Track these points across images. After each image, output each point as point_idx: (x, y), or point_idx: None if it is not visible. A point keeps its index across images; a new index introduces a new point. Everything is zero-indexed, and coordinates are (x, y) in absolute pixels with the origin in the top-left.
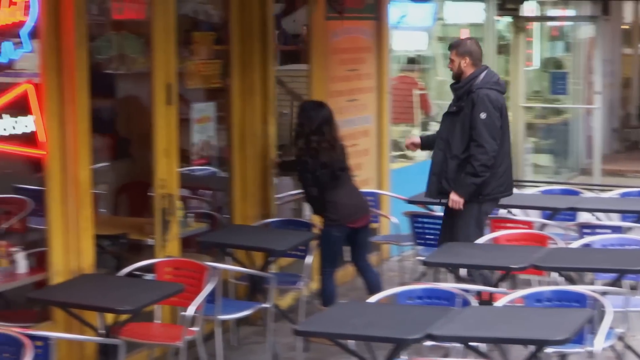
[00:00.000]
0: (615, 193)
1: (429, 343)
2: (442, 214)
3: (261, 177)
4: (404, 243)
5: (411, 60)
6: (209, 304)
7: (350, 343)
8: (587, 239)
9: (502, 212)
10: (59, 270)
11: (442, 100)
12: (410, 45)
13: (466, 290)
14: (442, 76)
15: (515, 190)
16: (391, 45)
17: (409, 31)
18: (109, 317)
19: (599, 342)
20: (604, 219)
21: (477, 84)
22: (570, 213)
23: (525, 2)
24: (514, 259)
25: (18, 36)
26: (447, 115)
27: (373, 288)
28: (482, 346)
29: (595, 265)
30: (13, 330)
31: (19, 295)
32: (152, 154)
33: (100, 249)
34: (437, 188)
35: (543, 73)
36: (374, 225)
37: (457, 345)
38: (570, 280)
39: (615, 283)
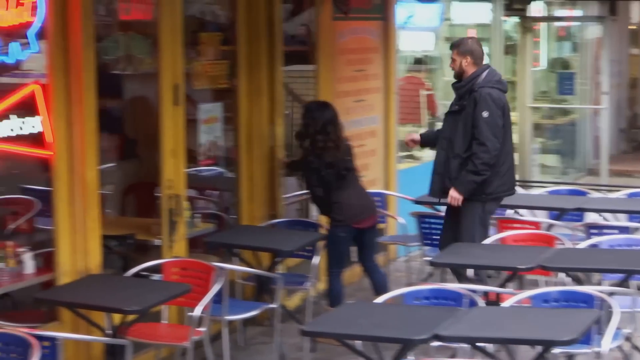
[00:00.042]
0: (622, 193)
1: (436, 343)
2: None
3: (268, 177)
4: (411, 243)
5: (418, 61)
6: (216, 305)
7: (357, 343)
8: (595, 240)
9: (509, 213)
10: (66, 270)
11: (448, 101)
12: (417, 46)
13: (473, 291)
14: (449, 77)
15: (522, 191)
16: (398, 45)
17: (416, 31)
18: (116, 318)
19: (606, 343)
20: (611, 220)
21: (479, 82)
22: (578, 213)
23: (532, 3)
24: (521, 260)
25: (25, 37)
26: (449, 114)
27: (380, 289)
28: (489, 347)
29: (602, 266)
30: (20, 330)
31: (26, 296)
32: (159, 155)
33: (108, 249)
34: (440, 187)
35: (550, 73)
36: (381, 225)
37: (464, 345)
38: (578, 281)
39: (623, 283)
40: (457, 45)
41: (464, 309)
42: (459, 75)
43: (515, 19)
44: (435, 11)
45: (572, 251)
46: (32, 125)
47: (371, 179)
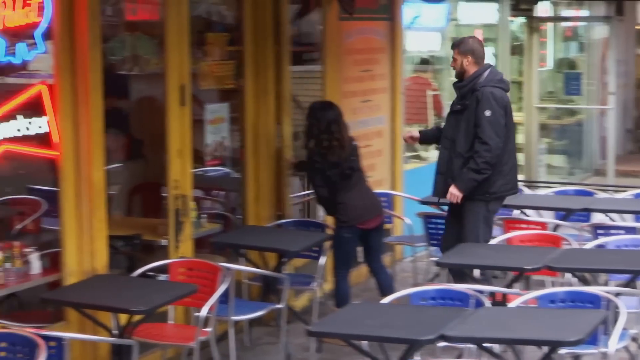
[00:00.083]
0: (629, 194)
1: (442, 344)
2: None
3: (274, 178)
4: (418, 244)
5: (425, 61)
6: (222, 305)
7: (364, 344)
8: (601, 240)
9: (516, 213)
10: (73, 270)
11: None
12: (423, 46)
13: (480, 291)
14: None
15: (528, 191)
16: (405, 46)
17: (422, 32)
18: (123, 318)
19: (613, 343)
20: (618, 220)
21: (481, 82)
22: (584, 214)
23: (539, 3)
24: (527, 260)
25: (32, 37)
26: (451, 114)
27: (385, 290)
28: (496, 347)
29: (609, 266)
30: (27, 330)
31: (32, 296)
32: (165, 155)
33: (114, 249)
34: (443, 187)
35: (557, 74)
36: (387, 226)
37: (471, 346)
38: (584, 281)
39: (629, 284)
40: (458, 45)
41: (471, 309)
42: (460, 74)
43: (521, 19)
44: (442, 11)
45: (579, 251)
46: (39, 125)
47: (377, 179)
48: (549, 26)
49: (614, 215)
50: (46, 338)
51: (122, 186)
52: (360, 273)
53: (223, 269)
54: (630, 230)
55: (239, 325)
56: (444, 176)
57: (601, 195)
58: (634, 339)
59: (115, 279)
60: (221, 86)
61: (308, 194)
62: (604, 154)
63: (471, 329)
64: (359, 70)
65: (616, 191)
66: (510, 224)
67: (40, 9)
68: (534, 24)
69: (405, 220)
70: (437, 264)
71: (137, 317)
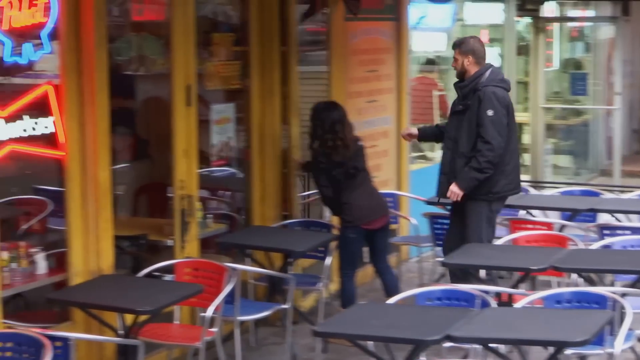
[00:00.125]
0: (635, 194)
1: (448, 344)
2: None
3: (280, 178)
4: (423, 244)
5: (430, 61)
6: (228, 305)
7: (369, 344)
8: (607, 240)
9: (522, 213)
10: (79, 271)
11: None
12: (429, 46)
13: (485, 292)
14: None
15: (534, 192)
16: (410, 46)
17: (428, 32)
18: (129, 318)
19: (619, 344)
20: (624, 220)
21: (483, 81)
22: (590, 214)
23: (545, 3)
24: (533, 260)
25: (38, 38)
26: (453, 114)
27: (391, 291)
28: (502, 347)
29: (615, 267)
30: (33, 330)
31: (38, 296)
32: (171, 155)
33: (120, 249)
34: (447, 188)
35: (563, 74)
36: (393, 226)
37: (477, 346)
38: (590, 282)
39: (636, 284)
40: (459, 45)
41: (476, 309)
42: (461, 74)
43: (527, 20)
44: (448, 12)
45: (585, 252)
46: (45, 125)
47: (383, 180)
48: (555, 26)
49: (620, 216)
50: (52, 338)
51: (128, 186)
52: (366, 273)
53: (229, 269)
54: (636, 230)
55: (244, 325)
56: (447, 176)
57: (607, 195)
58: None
59: (121, 279)
60: (227, 86)
61: (309, 194)
62: (610, 155)
63: (477, 330)
64: (364, 71)
65: (622, 191)
66: (516, 224)
67: (47, 9)
68: (540, 24)
69: (411, 220)
70: (443, 264)
71: (143, 317)
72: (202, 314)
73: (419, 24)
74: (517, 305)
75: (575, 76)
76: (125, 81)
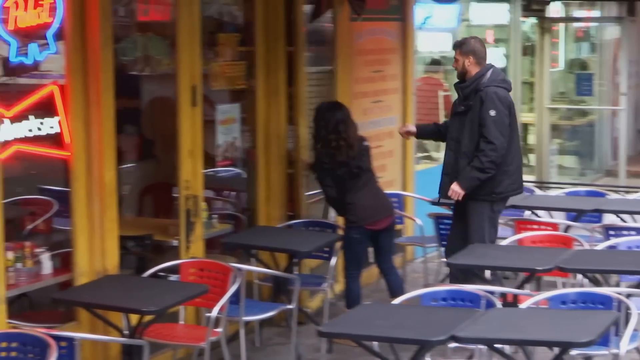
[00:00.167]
0: None
1: (453, 345)
2: None
3: (285, 178)
4: (429, 244)
5: (436, 62)
6: (233, 305)
7: (374, 344)
8: (613, 241)
9: (527, 214)
10: (84, 271)
11: None
12: (435, 47)
13: (491, 292)
14: None
15: (540, 192)
16: (416, 46)
17: (434, 32)
18: (134, 318)
19: (624, 345)
20: (630, 221)
21: (485, 82)
22: (596, 215)
23: (550, 3)
24: (538, 261)
25: (44, 38)
26: (455, 115)
27: (395, 291)
28: (507, 348)
29: (620, 267)
30: (38, 330)
31: (44, 296)
32: (176, 155)
33: (125, 250)
34: (449, 188)
35: (568, 74)
36: (398, 226)
37: (482, 347)
38: (596, 282)
39: None
40: (460, 45)
41: (482, 310)
42: (462, 75)
43: (533, 20)
44: (453, 12)
45: (590, 252)
46: (50, 125)
47: (389, 180)
48: (560, 27)
49: (625, 216)
50: (57, 338)
51: (134, 186)
52: (371, 274)
53: (234, 270)
54: None
55: (249, 325)
56: (450, 177)
57: (612, 196)
58: None
59: (126, 279)
60: (232, 87)
61: (315, 194)
62: (615, 155)
63: (482, 330)
64: (370, 71)
65: (627, 192)
66: (522, 224)
67: (52, 9)
68: (545, 25)
69: (416, 220)
70: (448, 264)
71: (148, 318)
72: (207, 314)
73: (425, 24)
74: (523, 305)
75: (580, 76)
76: (131, 81)
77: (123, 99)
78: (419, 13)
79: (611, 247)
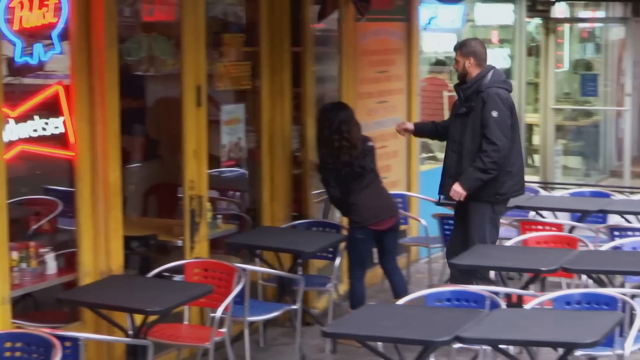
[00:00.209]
0: None
1: (457, 345)
2: None
3: (290, 178)
4: (433, 245)
5: (441, 62)
6: (237, 305)
7: (379, 345)
8: (617, 242)
9: (532, 215)
10: (89, 271)
11: None
12: (439, 47)
13: (495, 293)
14: None
15: (544, 192)
16: (421, 47)
17: (438, 33)
18: (138, 318)
19: (629, 346)
20: (634, 222)
21: (486, 83)
22: (600, 215)
23: (555, 4)
24: (543, 261)
25: (49, 38)
26: (456, 117)
27: (399, 292)
28: (511, 349)
29: (625, 268)
30: (42, 330)
31: (48, 296)
32: (181, 156)
33: (130, 250)
34: None
35: (573, 75)
36: (403, 227)
37: (486, 347)
38: (600, 283)
39: None
40: (460, 47)
41: (486, 311)
42: (463, 76)
43: (538, 21)
44: (458, 12)
45: (595, 253)
46: (55, 125)
47: (393, 180)
48: (565, 27)
49: (630, 217)
50: (61, 338)
51: (138, 186)
52: (375, 274)
53: (238, 270)
54: None
55: (254, 326)
56: (454, 180)
57: (617, 196)
58: None
59: (131, 280)
60: (237, 87)
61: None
62: (620, 156)
63: (486, 331)
64: (374, 72)
65: (632, 193)
66: (526, 225)
67: (57, 9)
68: (550, 25)
69: (421, 221)
70: (453, 265)
71: (152, 318)
72: (212, 315)
73: (429, 24)
74: (527, 306)
75: (585, 77)
76: (136, 81)
77: (128, 99)
78: (423, 13)
79: (616, 248)
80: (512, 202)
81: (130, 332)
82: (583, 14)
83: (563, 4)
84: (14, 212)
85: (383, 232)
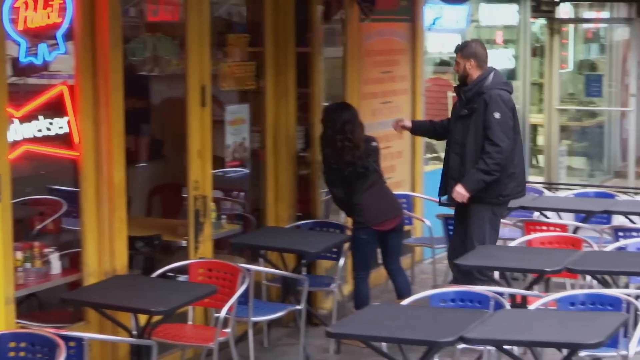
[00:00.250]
0: None
1: (461, 346)
2: None
3: (294, 178)
4: (437, 245)
5: (445, 63)
6: (241, 306)
7: (383, 345)
8: (622, 242)
9: (536, 215)
10: (93, 271)
11: None
12: (444, 48)
13: (500, 293)
14: None
15: (548, 193)
16: (425, 47)
17: (443, 33)
18: (142, 318)
19: (633, 346)
20: (639, 222)
21: (488, 85)
22: (605, 216)
23: (560, 4)
24: (547, 262)
25: (53, 38)
26: (458, 119)
27: (402, 293)
28: (515, 349)
29: (629, 269)
30: (47, 330)
31: (52, 296)
32: (185, 156)
33: (134, 250)
34: None
35: (578, 75)
36: (407, 227)
37: (490, 348)
38: (605, 284)
39: None
40: (461, 49)
41: (490, 311)
42: (463, 78)
43: (542, 21)
44: (463, 13)
45: (599, 254)
46: (60, 125)
47: (397, 181)
48: (570, 28)
49: (634, 218)
50: (66, 338)
51: (142, 186)
52: (379, 275)
53: (242, 270)
54: None
55: (258, 326)
56: (456, 182)
57: (622, 197)
58: None
59: (135, 280)
60: (241, 87)
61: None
62: (624, 156)
63: (491, 331)
64: (379, 72)
65: (637, 193)
66: (531, 226)
67: (62, 9)
68: (554, 26)
69: (425, 221)
70: (457, 265)
71: (156, 318)
72: (216, 315)
73: (434, 25)
74: (531, 307)
75: (590, 78)
76: (140, 82)
77: (132, 99)
78: (428, 14)
79: (620, 249)
80: (517, 202)
81: (135, 332)
82: (587, 14)
83: (567, 4)
84: (18, 212)
85: (387, 232)
